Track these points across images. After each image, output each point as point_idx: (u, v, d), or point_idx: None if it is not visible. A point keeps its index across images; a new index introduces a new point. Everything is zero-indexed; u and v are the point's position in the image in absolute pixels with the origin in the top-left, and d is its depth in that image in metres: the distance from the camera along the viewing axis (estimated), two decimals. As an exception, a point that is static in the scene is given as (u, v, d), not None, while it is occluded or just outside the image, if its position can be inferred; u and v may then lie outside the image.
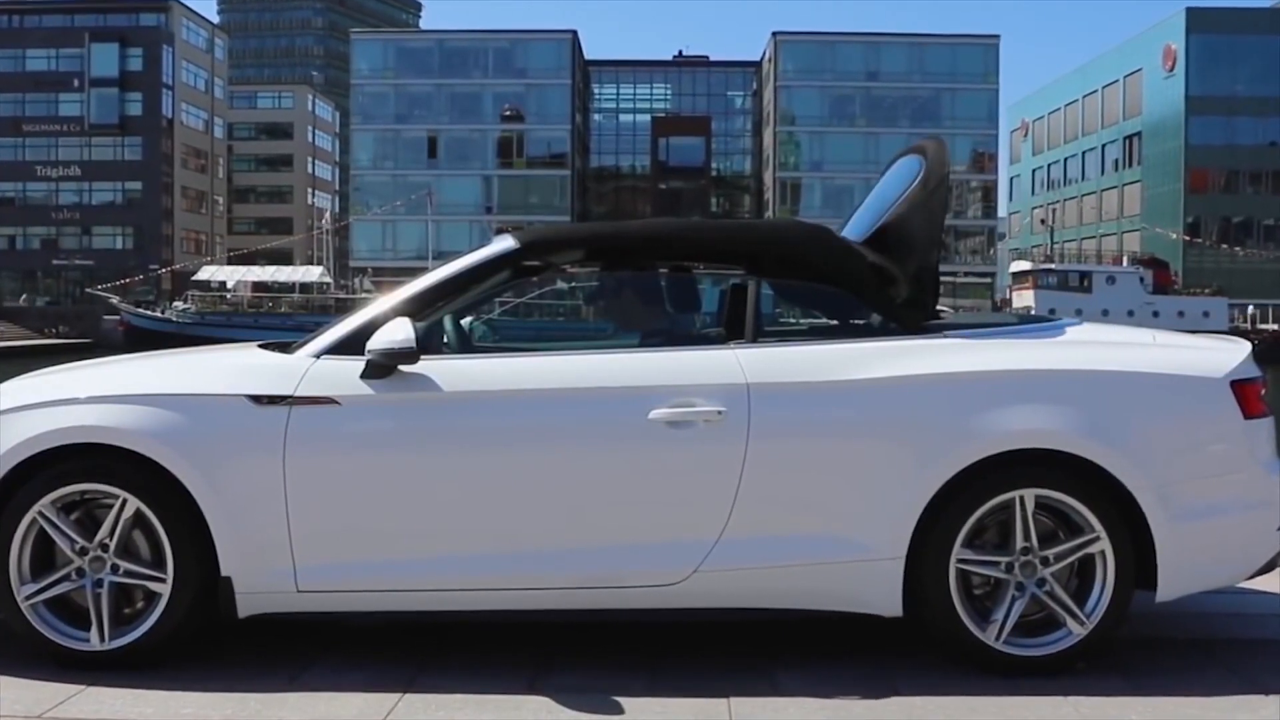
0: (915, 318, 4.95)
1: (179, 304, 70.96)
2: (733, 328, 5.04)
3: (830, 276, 5.09)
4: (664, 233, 5.50)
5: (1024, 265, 70.77)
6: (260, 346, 5.20)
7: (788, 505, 4.64)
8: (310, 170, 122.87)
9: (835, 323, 5.46)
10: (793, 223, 5.78)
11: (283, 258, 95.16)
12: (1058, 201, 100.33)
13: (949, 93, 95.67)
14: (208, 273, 78.31)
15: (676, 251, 5.40)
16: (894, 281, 4.98)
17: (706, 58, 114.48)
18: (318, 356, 4.75)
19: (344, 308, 52.45)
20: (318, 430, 4.60)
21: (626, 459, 4.62)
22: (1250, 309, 68.50)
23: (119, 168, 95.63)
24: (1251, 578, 4.99)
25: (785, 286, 5.41)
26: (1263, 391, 4.94)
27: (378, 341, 4.58)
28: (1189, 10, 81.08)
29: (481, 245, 5.22)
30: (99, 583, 4.62)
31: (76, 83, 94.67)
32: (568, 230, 5.61)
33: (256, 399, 4.62)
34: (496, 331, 6.16)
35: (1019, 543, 4.65)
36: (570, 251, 5.32)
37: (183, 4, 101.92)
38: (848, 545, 4.60)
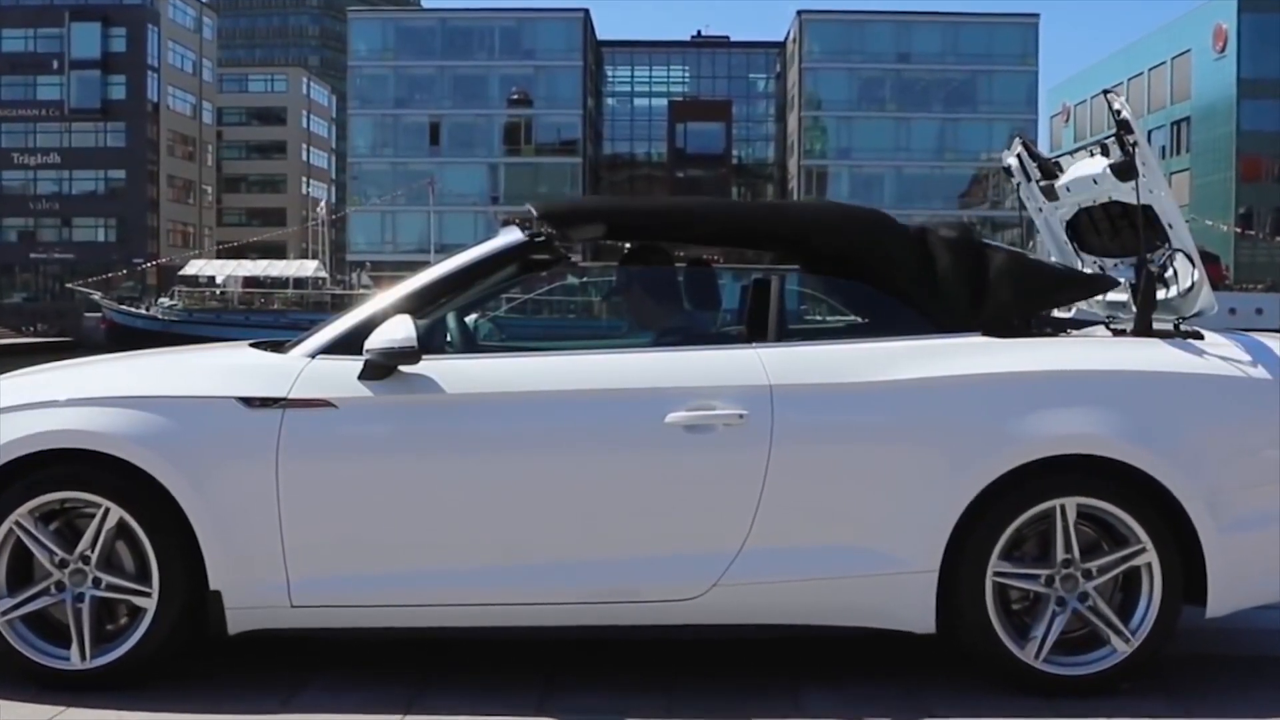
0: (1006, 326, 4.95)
1: (165, 300, 70.80)
2: (755, 325, 5.00)
3: (877, 268, 5.05)
4: (697, 212, 5.50)
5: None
6: (252, 346, 5.21)
7: (813, 515, 4.63)
8: (305, 158, 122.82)
9: (864, 320, 5.44)
10: (838, 205, 5.77)
11: (276, 251, 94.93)
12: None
13: (985, 75, 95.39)
14: (196, 267, 78.27)
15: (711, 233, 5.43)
16: (959, 280, 4.95)
17: (727, 38, 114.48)
18: (313, 356, 4.75)
19: (341, 304, 52.48)
20: (313, 434, 4.60)
21: (642, 465, 4.62)
22: None
23: (101, 155, 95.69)
24: (1308, 593, 4.97)
25: (824, 276, 5.41)
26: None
27: (376, 340, 4.58)
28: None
29: (487, 237, 5.23)
30: (80, 597, 4.61)
31: (56, 64, 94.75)
32: (592, 203, 5.62)
33: (248, 401, 4.62)
34: (503, 330, 6.18)
35: (1060, 555, 4.64)
36: (593, 226, 5.33)
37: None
38: (877, 557, 4.60)
